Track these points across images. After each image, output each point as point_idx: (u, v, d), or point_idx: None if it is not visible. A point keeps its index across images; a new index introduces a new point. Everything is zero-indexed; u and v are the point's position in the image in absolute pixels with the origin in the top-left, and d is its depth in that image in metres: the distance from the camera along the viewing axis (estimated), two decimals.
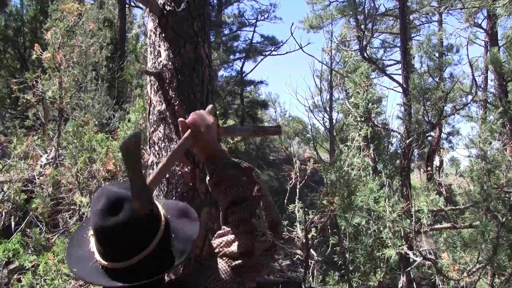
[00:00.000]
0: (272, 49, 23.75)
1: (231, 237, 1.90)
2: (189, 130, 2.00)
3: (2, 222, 6.73)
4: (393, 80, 8.88)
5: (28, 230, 6.34)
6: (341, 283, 5.12)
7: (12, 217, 6.86)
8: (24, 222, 6.79)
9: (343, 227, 4.78)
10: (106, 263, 1.64)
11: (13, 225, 6.73)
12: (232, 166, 2.00)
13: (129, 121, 6.92)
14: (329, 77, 21.50)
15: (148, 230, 1.67)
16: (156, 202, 1.79)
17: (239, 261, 1.85)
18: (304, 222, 4.63)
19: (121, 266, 1.62)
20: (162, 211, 1.76)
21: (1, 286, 4.96)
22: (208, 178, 2.05)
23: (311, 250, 5.63)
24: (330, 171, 4.03)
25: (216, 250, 1.87)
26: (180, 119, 2.04)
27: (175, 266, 1.67)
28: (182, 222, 1.82)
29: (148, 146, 3.20)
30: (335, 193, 3.97)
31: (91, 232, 1.70)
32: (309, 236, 4.98)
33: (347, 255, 4.80)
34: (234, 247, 1.85)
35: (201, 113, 2.08)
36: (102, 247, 1.65)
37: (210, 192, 2.74)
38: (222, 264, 1.83)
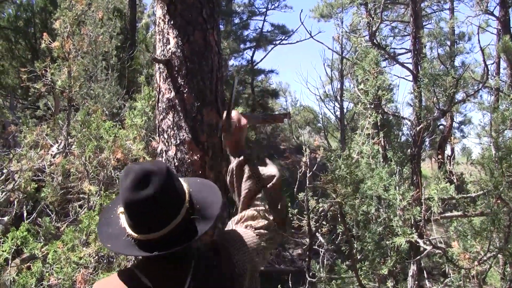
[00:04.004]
0: (283, 38, 23.65)
1: (251, 212, 2.17)
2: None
3: (14, 212, 6.77)
4: (404, 66, 8.85)
5: (39, 219, 6.37)
6: (349, 272, 5.11)
7: (24, 207, 6.89)
8: (36, 211, 6.82)
9: (352, 215, 4.76)
10: (138, 235, 1.74)
11: (25, 215, 6.77)
12: (257, 156, 2.35)
13: (135, 109, 6.91)
14: (340, 66, 21.43)
15: (175, 201, 1.77)
16: (180, 178, 1.90)
17: (264, 231, 2.12)
18: (307, 210, 4.62)
19: (153, 237, 1.73)
20: (185, 185, 1.88)
21: (11, 276, 4.98)
22: (236, 163, 2.31)
23: (321, 238, 5.63)
24: (335, 158, 4.01)
25: (240, 223, 2.16)
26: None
27: (201, 234, 1.78)
28: (204, 193, 1.96)
29: (157, 134, 3.20)
30: (337, 180, 3.94)
31: (120, 209, 1.80)
32: (315, 224, 4.97)
33: (354, 244, 4.79)
34: (260, 221, 2.15)
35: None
36: (134, 221, 1.75)
37: (219, 180, 2.74)
38: (248, 231, 2.09)
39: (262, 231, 2.11)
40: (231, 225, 2.19)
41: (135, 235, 1.75)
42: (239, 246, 1.99)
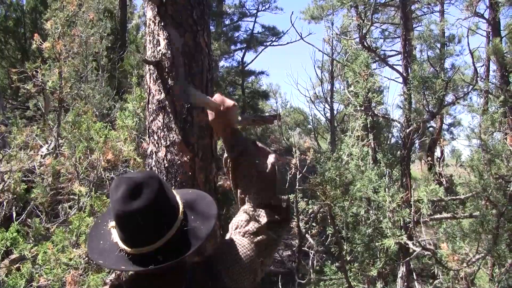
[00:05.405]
0: (273, 39, 23.64)
1: (243, 216, 2.04)
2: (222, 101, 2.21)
3: (3, 212, 6.73)
4: (393, 69, 8.85)
5: (28, 220, 6.35)
6: (339, 273, 5.12)
7: (13, 207, 6.86)
8: (25, 212, 6.79)
9: (341, 217, 4.78)
10: (131, 249, 1.67)
11: (14, 216, 6.74)
12: (251, 142, 2.21)
13: (126, 110, 6.90)
14: (330, 68, 21.47)
15: (169, 213, 1.72)
16: (173, 190, 1.85)
17: (261, 236, 1.98)
18: (297, 212, 4.64)
19: (147, 251, 1.65)
20: (178, 196, 1.82)
21: (0, 277, 4.97)
22: (228, 152, 2.19)
23: (311, 240, 5.64)
24: (324, 160, 4.03)
25: (237, 231, 2.01)
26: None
27: (197, 247, 1.70)
28: (198, 203, 1.89)
29: (147, 135, 3.20)
30: (327, 182, 3.96)
31: (111, 224, 1.74)
32: (304, 226, 4.98)
33: (344, 246, 4.81)
34: (252, 224, 2.00)
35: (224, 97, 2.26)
36: (125, 234, 1.69)
37: (208, 182, 2.73)
38: (244, 240, 1.95)
39: (259, 237, 1.99)
40: (230, 230, 2.06)
41: (128, 249, 1.67)
42: (230, 264, 1.90)
